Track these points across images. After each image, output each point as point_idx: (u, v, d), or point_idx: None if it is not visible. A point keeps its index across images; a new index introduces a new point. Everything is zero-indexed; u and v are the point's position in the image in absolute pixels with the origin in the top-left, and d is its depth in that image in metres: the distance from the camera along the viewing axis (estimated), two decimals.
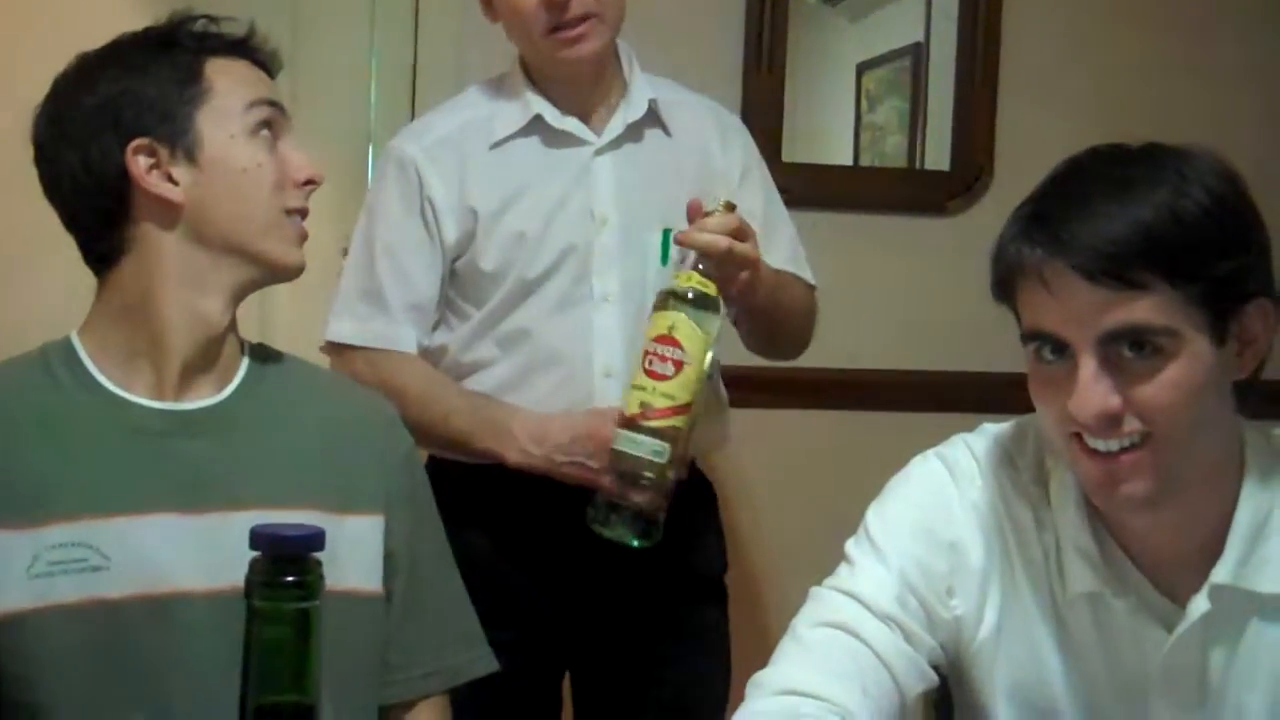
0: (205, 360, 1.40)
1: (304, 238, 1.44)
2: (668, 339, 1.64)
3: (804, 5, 2.92)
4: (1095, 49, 2.92)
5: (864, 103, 3.03)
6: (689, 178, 1.89)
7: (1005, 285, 1.22)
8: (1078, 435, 1.17)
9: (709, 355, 1.67)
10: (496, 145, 1.89)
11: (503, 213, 1.86)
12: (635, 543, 1.71)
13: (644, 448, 1.64)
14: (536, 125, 1.89)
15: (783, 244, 2.00)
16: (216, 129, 1.36)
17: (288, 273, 1.43)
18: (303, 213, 1.43)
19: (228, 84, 1.38)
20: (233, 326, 1.42)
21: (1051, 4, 2.91)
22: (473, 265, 1.87)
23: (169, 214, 1.36)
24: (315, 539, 0.92)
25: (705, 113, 2.01)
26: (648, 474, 1.65)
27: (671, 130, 1.94)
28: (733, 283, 1.72)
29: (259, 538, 0.91)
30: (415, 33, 2.79)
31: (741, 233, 1.71)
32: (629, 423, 1.65)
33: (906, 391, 2.79)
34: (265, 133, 1.40)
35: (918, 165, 2.97)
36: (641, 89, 1.93)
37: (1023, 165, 1.33)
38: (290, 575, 0.90)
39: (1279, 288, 1.20)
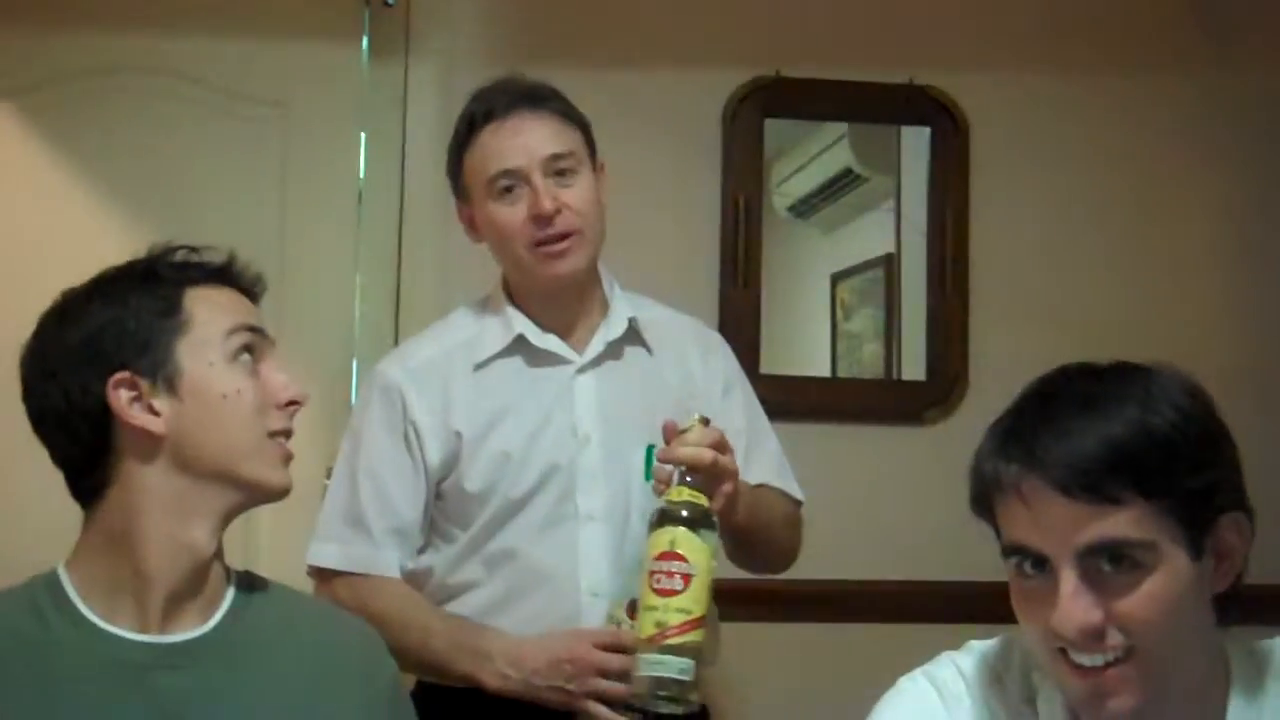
0: (190, 589, 1.39)
1: (289, 458, 1.44)
2: (671, 554, 1.64)
3: (777, 219, 3.01)
4: (1063, 259, 3.00)
5: (839, 312, 3.10)
6: (671, 395, 1.92)
7: (983, 501, 1.23)
8: (1062, 650, 1.18)
9: (713, 565, 1.67)
10: (480, 366, 1.91)
11: (487, 433, 1.87)
12: None
13: (670, 667, 1.61)
14: (519, 345, 1.92)
15: (767, 459, 2.02)
16: (196, 358, 1.37)
17: (274, 495, 1.43)
18: (286, 433, 1.44)
19: (207, 312, 1.40)
20: (218, 553, 1.42)
21: (1018, 215, 3.00)
22: (458, 486, 1.88)
23: (151, 445, 1.36)
24: None
25: (686, 330, 2.05)
26: (675, 693, 1.61)
27: (653, 348, 1.97)
28: (715, 496, 1.73)
29: None
30: (399, 254, 2.87)
31: (721, 445, 1.73)
32: (649, 644, 1.63)
33: (890, 602, 2.78)
34: (246, 357, 1.41)
35: (895, 375, 3.02)
36: (621, 308, 1.97)
37: (998, 374, 1.36)
38: None
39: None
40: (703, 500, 1.68)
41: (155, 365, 1.36)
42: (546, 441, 1.88)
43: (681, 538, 1.65)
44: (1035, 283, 2.97)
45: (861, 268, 3.12)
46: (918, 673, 1.36)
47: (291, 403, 1.43)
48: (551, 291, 1.92)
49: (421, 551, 1.91)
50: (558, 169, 1.86)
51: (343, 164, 2.89)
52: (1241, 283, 3.05)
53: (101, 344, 1.36)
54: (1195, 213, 3.05)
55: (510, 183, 1.86)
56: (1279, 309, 3.04)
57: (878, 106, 3.00)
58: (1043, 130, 3.01)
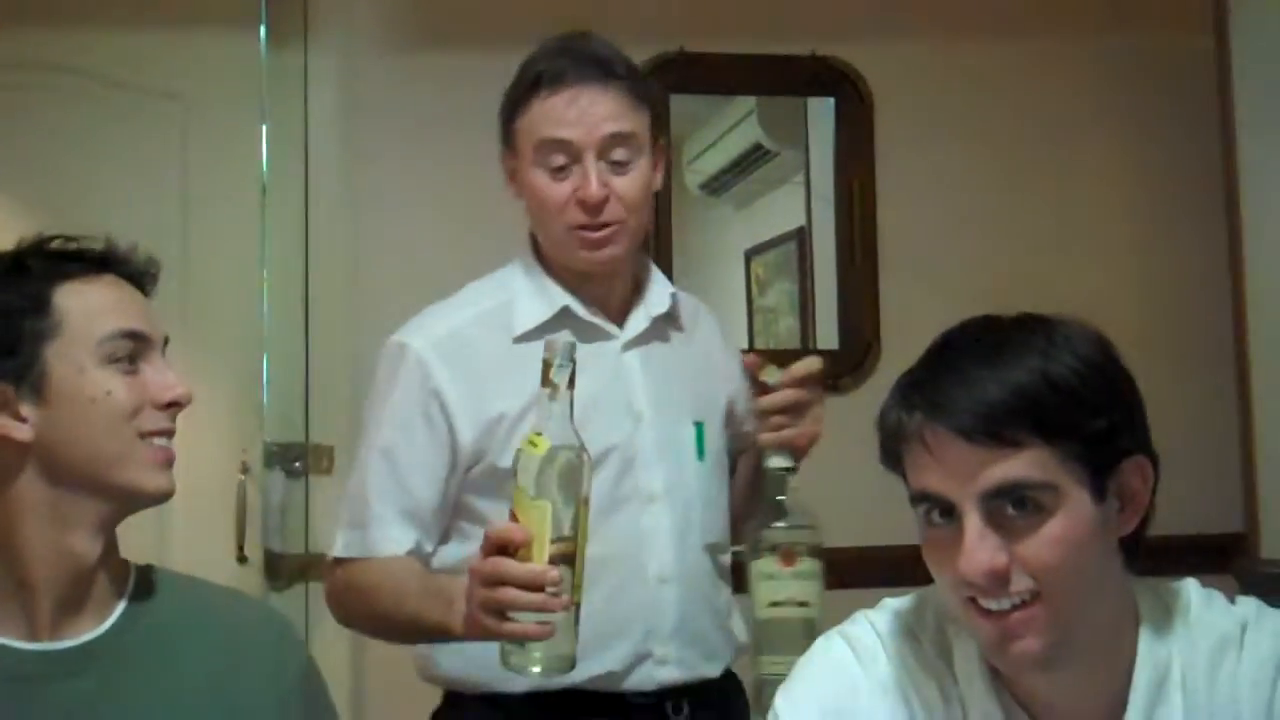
0: (78, 595, 1.32)
1: (170, 460, 1.35)
2: (511, 515, 1.44)
3: (688, 196, 3.01)
4: (971, 224, 3.03)
5: (754, 287, 3.11)
6: (706, 373, 1.87)
7: (891, 452, 1.24)
8: (972, 598, 1.18)
9: (549, 519, 1.42)
10: (520, 339, 1.76)
11: (531, 409, 1.60)
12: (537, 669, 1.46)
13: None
14: (563, 318, 1.78)
15: None
16: (66, 363, 1.29)
17: (151, 500, 1.34)
18: (166, 434, 1.34)
19: (81, 312, 1.31)
20: (106, 557, 1.34)
21: (924, 182, 3.03)
22: (492, 468, 1.72)
23: (20, 453, 1.29)
24: None
25: (705, 312, 1.98)
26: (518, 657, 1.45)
27: (684, 326, 1.90)
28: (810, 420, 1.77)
29: None
30: (305, 246, 2.83)
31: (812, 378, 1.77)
32: None
33: None
34: (123, 360, 1.32)
35: (810, 345, 3.04)
36: (662, 285, 1.87)
37: (909, 340, 1.36)
38: None
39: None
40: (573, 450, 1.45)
41: (21, 370, 1.28)
42: (601, 420, 1.71)
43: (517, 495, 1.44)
44: (944, 248, 3.00)
45: (774, 242, 3.13)
46: (833, 632, 1.36)
47: (173, 404, 1.34)
48: (586, 271, 1.80)
49: (451, 538, 1.78)
50: (614, 157, 1.73)
51: (244, 156, 2.85)
52: (1146, 239, 3.10)
53: None
54: (1098, 173, 3.10)
55: (562, 157, 1.72)
56: (1183, 264, 3.09)
57: (782, 80, 3.02)
58: (945, 97, 3.04)
